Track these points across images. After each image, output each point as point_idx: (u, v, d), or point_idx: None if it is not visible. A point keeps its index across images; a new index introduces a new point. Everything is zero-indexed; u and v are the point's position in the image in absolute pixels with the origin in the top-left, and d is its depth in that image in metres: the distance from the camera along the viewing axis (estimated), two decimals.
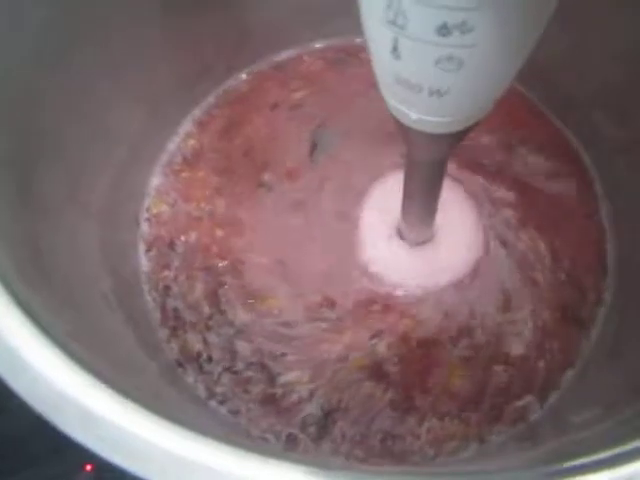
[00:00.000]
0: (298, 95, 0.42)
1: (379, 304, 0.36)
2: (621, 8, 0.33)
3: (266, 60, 0.44)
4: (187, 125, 0.42)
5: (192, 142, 0.41)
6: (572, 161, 0.40)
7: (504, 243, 0.37)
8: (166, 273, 0.37)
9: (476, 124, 0.20)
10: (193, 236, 0.38)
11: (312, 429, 0.33)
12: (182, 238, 0.38)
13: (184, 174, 0.40)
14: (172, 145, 0.41)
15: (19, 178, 0.27)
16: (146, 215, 0.39)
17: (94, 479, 0.37)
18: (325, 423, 0.33)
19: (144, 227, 0.39)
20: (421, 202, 0.29)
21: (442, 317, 0.35)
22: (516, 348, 0.35)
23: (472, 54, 0.15)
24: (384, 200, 0.37)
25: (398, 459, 0.32)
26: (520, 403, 0.34)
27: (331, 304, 0.36)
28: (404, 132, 0.21)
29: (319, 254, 0.37)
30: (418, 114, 0.18)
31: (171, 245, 0.38)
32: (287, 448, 0.33)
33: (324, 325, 0.35)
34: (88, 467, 0.37)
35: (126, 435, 0.18)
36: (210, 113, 0.42)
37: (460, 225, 0.37)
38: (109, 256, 0.34)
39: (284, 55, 0.44)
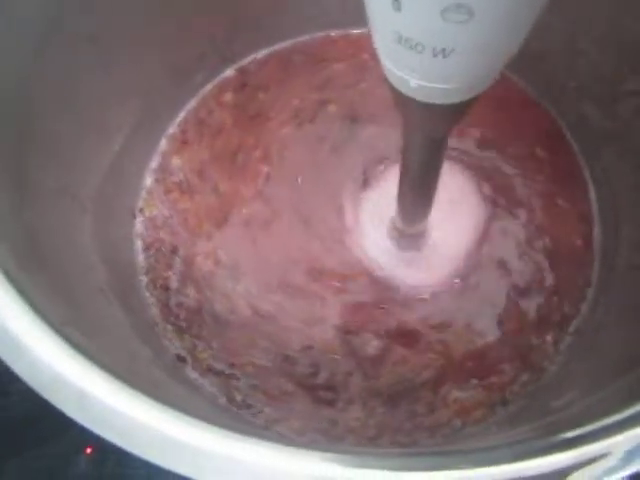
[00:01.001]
0: (294, 89, 0.41)
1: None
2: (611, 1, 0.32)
3: (260, 52, 0.42)
4: (175, 129, 0.40)
5: (177, 162, 0.39)
6: (562, 149, 0.39)
7: (493, 235, 0.36)
8: (168, 274, 0.36)
9: (477, 97, 0.18)
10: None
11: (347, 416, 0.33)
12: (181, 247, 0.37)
13: (174, 194, 0.39)
14: (164, 143, 0.40)
15: (16, 172, 0.27)
16: (141, 218, 0.38)
17: (94, 461, 0.36)
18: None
19: (140, 227, 0.38)
20: (418, 187, 0.27)
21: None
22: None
23: (483, 2, 0.13)
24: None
25: (429, 433, 0.32)
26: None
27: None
28: (402, 104, 0.19)
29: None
30: (419, 80, 0.16)
31: (174, 250, 0.37)
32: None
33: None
34: (88, 450, 0.36)
35: (118, 415, 0.18)
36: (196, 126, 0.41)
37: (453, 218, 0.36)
38: (104, 248, 0.33)
39: (279, 46, 0.42)
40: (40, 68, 0.29)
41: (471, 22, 0.14)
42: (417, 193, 0.27)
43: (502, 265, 0.36)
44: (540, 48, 0.34)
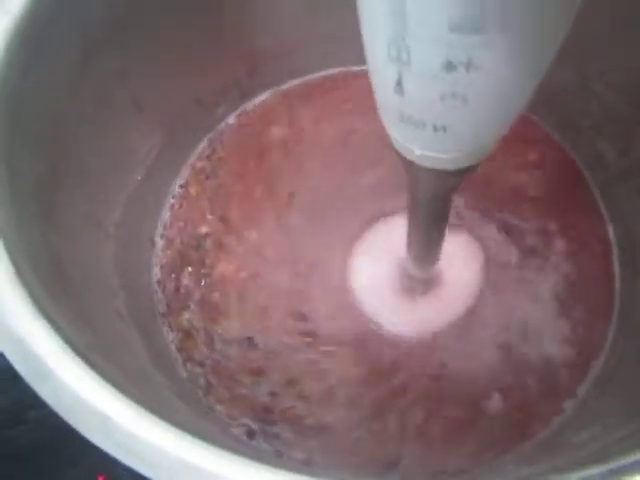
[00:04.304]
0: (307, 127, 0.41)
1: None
2: (621, 42, 0.32)
3: (280, 87, 0.42)
4: (195, 159, 0.40)
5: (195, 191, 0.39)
6: (578, 185, 0.38)
7: (506, 279, 0.35)
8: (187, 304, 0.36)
9: (481, 161, 0.18)
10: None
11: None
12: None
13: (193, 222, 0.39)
14: (184, 172, 0.40)
15: (47, 202, 0.27)
16: (160, 244, 0.38)
17: None
18: None
19: (158, 254, 0.37)
20: (425, 239, 0.27)
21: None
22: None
23: (476, 91, 0.14)
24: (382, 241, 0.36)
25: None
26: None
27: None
28: (407, 166, 0.19)
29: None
30: (422, 150, 0.17)
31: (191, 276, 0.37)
32: None
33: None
34: (100, 479, 0.35)
35: (141, 441, 0.18)
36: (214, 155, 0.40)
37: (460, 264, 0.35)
38: (124, 274, 0.33)
39: (297, 82, 0.42)
40: (74, 102, 0.29)
41: (466, 106, 0.14)
42: (424, 246, 0.28)
43: (518, 306, 0.35)
44: (554, 89, 0.33)
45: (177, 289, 0.36)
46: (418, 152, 0.17)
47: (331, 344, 0.34)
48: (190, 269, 0.37)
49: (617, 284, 0.35)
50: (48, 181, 0.27)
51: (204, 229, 0.38)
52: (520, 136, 0.38)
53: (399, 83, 0.14)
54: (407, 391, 0.33)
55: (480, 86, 0.13)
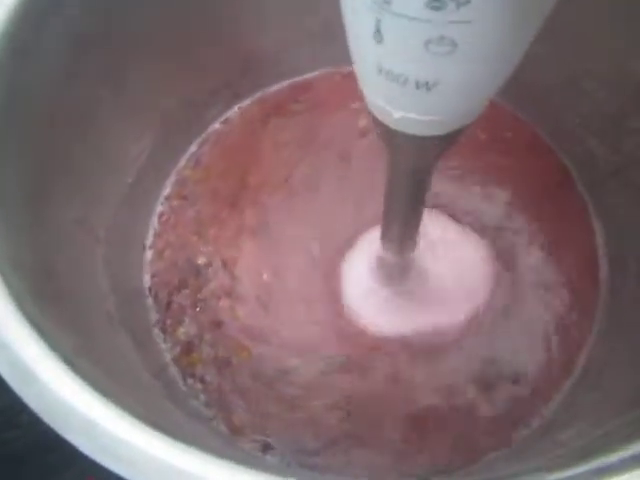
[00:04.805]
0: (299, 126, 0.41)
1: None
2: (612, 40, 0.32)
3: (270, 88, 0.42)
4: (185, 162, 0.40)
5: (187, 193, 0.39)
6: (566, 185, 0.38)
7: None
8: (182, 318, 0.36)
9: (465, 128, 0.18)
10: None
11: None
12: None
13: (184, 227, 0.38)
14: (174, 175, 0.40)
15: (36, 205, 0.27)
16: (151, 249, 0.37)
17: None
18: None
19: (149, 258, 0.37)
20: (402, 219, 0.25)
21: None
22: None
23: (467, 34, 0.13)
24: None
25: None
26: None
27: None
28: (385, 135, 0.18)
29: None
30: (402, 112, 0.16)
31: (181, 282, 0.36)
32: None
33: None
34: None
35: (125, 446, 0.18)
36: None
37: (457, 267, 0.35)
38: (114, 278, 0.33)
39: (288, 83, 0.42)
40: (64, 104, 0.29)
41: (455, 54, 0.13)
42: (400, 227, 0.26)
43: (504, 305, 0.34)
44: (543, 86, 0.34)
45: (169, 304, 0.36)
46: (398, 115, 0.16)
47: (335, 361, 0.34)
48: (184, 289, 0.36)
49: (604, 280, 0.35)
50: (37, 184, 0.27)
51: (196, 252, 0.37)
52: (506, 134, 0.38)
53: (378, 29, 0.13)
54: (402, 393, 0.33)
55: (472, 27, 0.12)
